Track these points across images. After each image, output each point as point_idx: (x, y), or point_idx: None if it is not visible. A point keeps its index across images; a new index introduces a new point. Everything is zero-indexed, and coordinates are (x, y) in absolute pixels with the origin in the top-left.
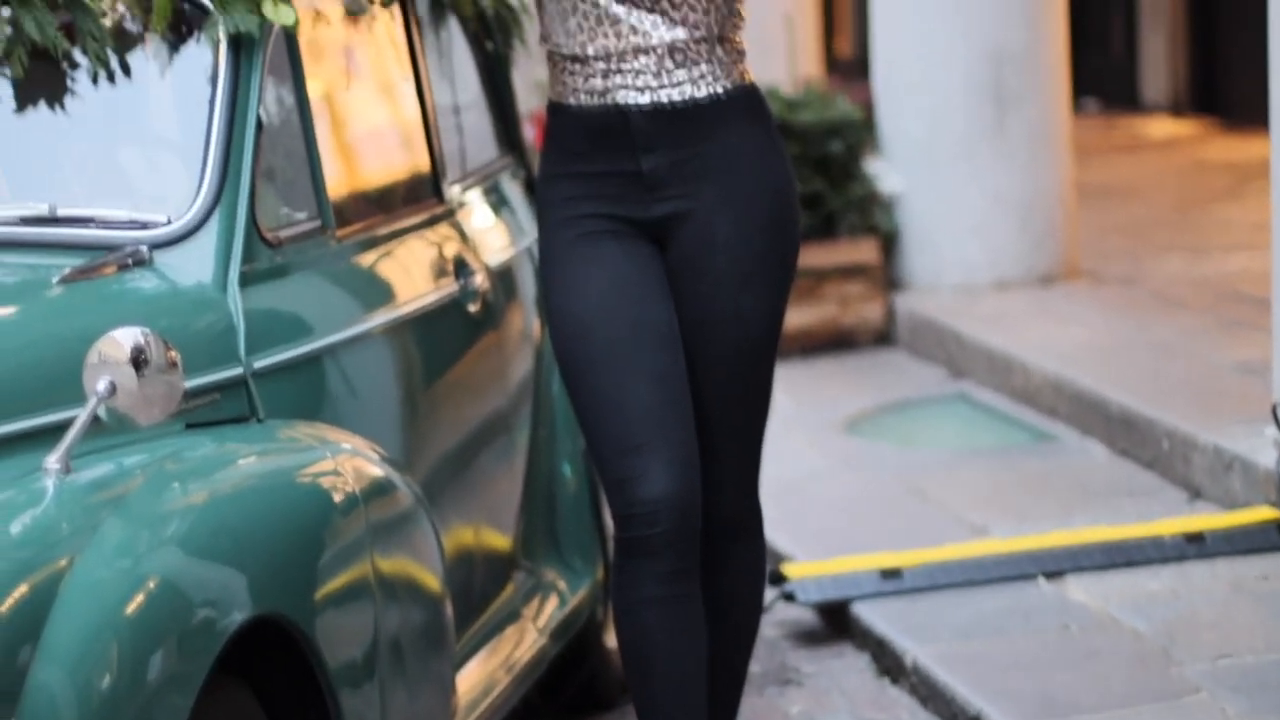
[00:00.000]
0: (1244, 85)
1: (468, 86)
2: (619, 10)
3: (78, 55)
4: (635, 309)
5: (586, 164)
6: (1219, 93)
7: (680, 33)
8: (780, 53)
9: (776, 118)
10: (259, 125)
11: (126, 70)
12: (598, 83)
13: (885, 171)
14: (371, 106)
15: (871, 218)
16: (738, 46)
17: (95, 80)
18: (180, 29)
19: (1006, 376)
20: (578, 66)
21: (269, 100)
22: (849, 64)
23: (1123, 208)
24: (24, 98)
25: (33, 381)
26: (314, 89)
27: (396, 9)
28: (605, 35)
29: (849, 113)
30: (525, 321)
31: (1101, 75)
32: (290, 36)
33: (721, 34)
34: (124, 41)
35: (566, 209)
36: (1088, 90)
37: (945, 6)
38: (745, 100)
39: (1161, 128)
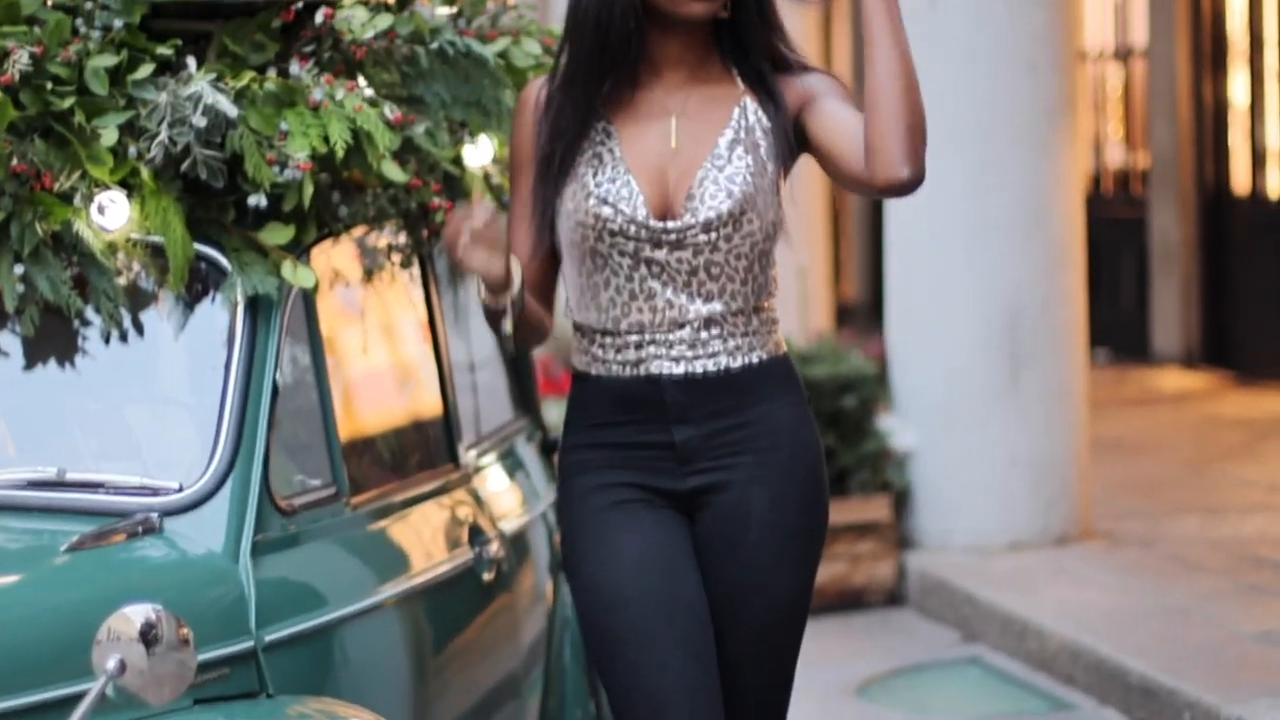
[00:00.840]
0: (1258, 339)
1: (483, 344)
2: (654, 285)
3: (90, 313)
4: (669, 582)
5: (616, 434)
6: (1232, 346)
7: (717, 305)
8: (792, 303)
9: None
10: (275, 389)
11: (140, 330)
12: (630, 354)
13: (898, 428)
14: (388, 368)
15: (883, 474)
16: (772, 315)
17: (107, 339)
18: (196, 288)
19: (1021, 641)
20: (609, 339)
21: (285, 362)
22: (855, 308)
23: (1136, 464)
24: (34, 355)
25: (39, 654)
26: (330, 350)
27: (415, 267)
28: (640, 310)
29: (862, 367)
30: (538, 587)
31: (1112, 326)
32: (308, 297)
33: (756, 304)
34: (138, 300)
35: (594, 477)
36: (1098, 341)
37: (960, 260)
38: (779, 370)
39: (1173, 381)
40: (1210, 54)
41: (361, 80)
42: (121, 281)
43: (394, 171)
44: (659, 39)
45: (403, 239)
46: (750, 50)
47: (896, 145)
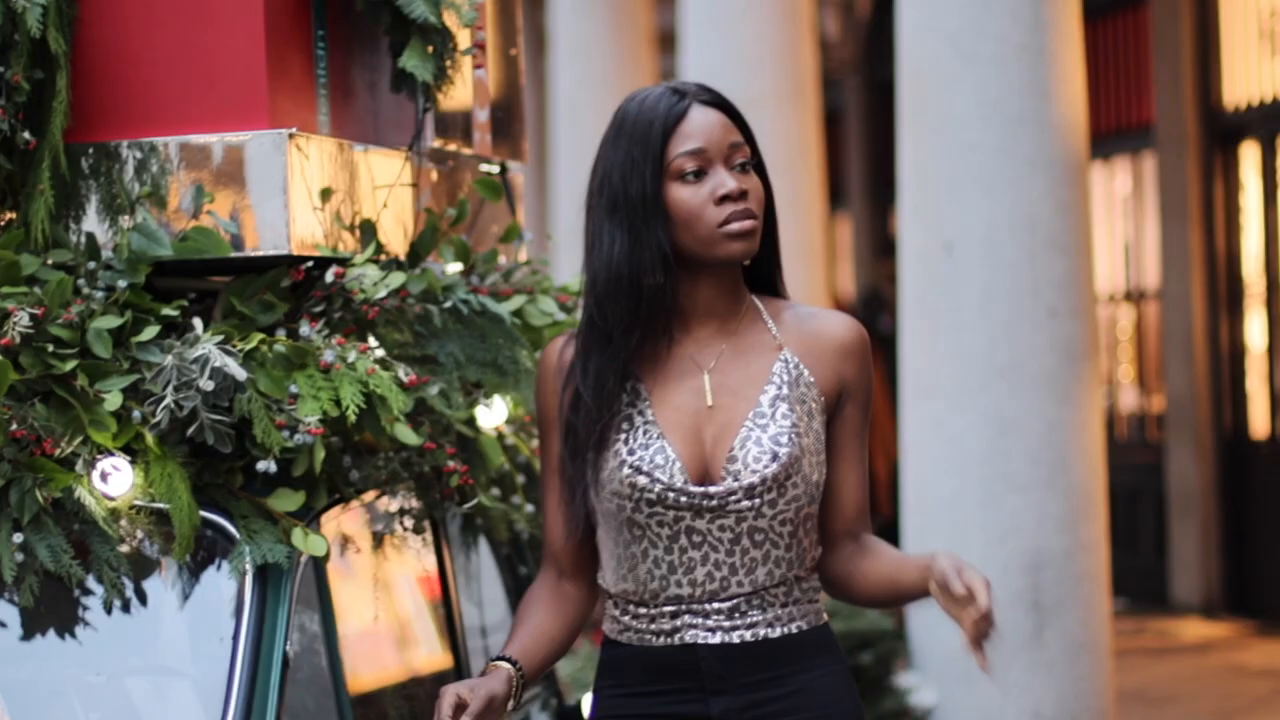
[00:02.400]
0: None
1: (495, 608)
2: (694, 556)
3: (92, 582)
4: None
5: (649, 705)
6: (1254, 594)
7: (760, 576)
8: None
9: None
10: (285, 660)
11: (144, 598)
12: (666, 624)
13: (918, 684)
14: (400, 634)
15: None
16: (814, 583)
17: (109, 609)
18: (203, 555)
19: None
20: (644, 609)
21: (294, 631)
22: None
23: (1161, 716)
24: (33, 624)
25: None
26: (342, 617)
27: (428, 531)
28: (679, 584)
29: (879, 623)
30: None
31: (1130, 574)
32: (318, 563)
33: (799, 572)
34: (142, 568)
35: None
36: (1116, 590)
37: (977, 515)
38: (820, 639)
39: (1194, 630)
40: (1226, 297)
41: (373, 340)
42: (126, 549)
43: (407, 435)
44: (689, 289)
45: (415, 502)
46: (776, 294)
47: (845, 590)
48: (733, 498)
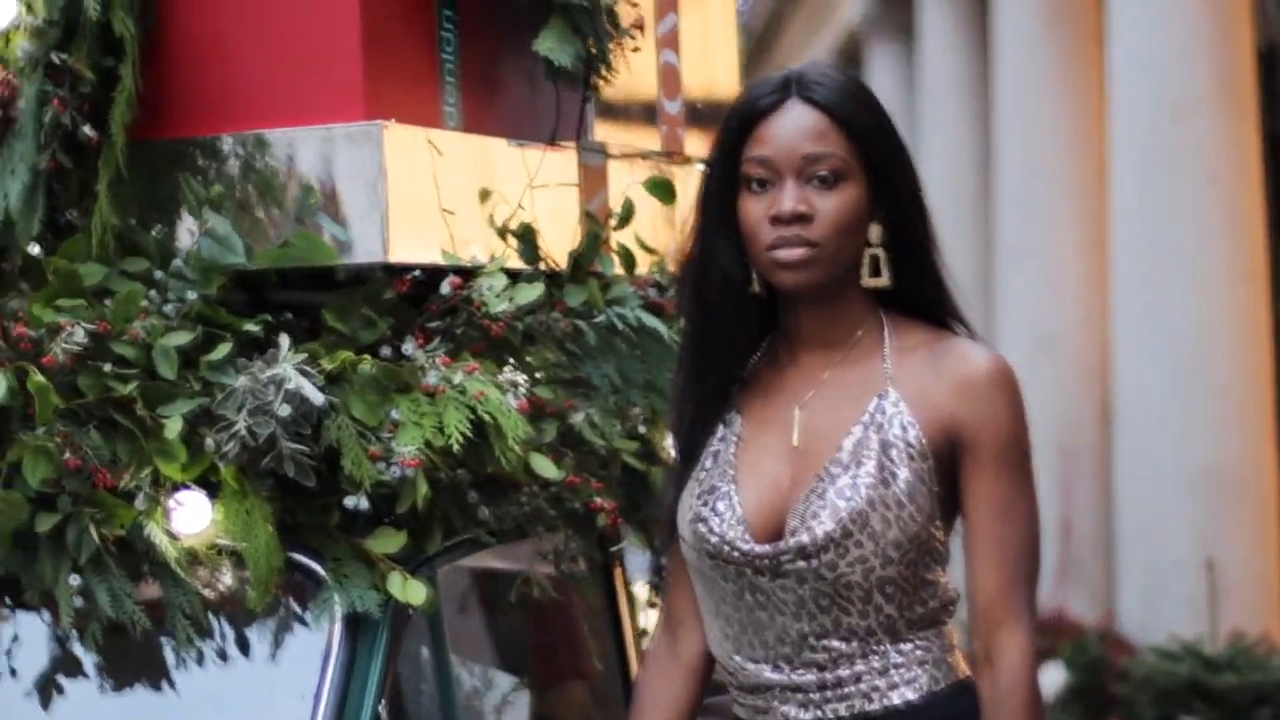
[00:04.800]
0: None
1: None
2: (762, 617)
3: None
4: None
5: None
6: None
7: (834, 641)
8: (1200, 600)
9: (1187, 676)
10: None
11: (219, 650)
12: (759, 700)
13: None
14: (541, 698)
15: None
16: (927, 643)
17: (181, 661)
18: (288, 603)
19: None
20: (732, 678)
21: (398, 694)
22: None
23: None
24: (94, 676)
25: None
26: (469, 679)
27: (591, 578)
28: (753, 646)
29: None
30: None
31: None
32: (436, 616)
33: (892, 634)
34: (220, 616)
35: None
36: None
37: None
38: (940, 711)
39: None
40: None
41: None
42: (209, 594)
43: (546, 467)
44: (789, 310)
45: (573, 544)
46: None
47: None
48: (784, 557)
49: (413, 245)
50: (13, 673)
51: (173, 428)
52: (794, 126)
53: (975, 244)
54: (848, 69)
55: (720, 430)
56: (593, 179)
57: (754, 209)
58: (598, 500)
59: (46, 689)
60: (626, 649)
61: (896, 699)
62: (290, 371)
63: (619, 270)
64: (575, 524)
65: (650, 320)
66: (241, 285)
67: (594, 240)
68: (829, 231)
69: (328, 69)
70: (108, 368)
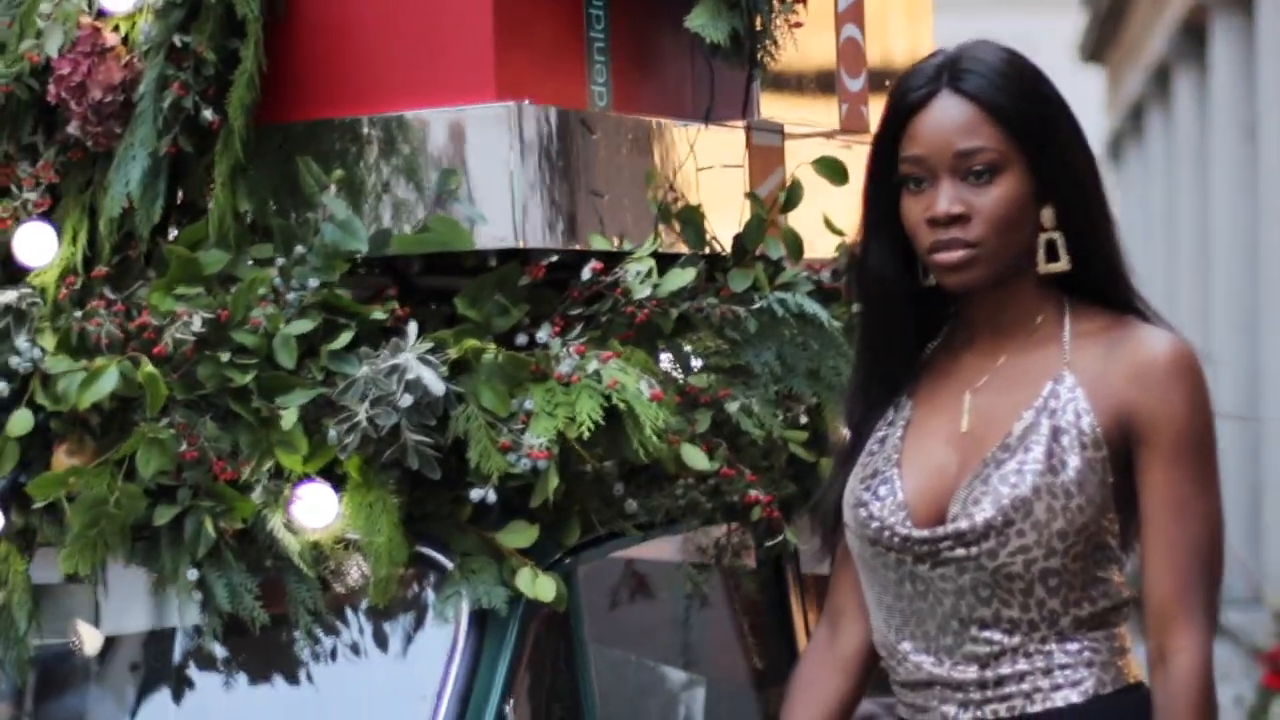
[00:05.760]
0: None
1: None
2: (922, 606)
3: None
4: None
5: None
6: None
7: (996, 634)
8: None
9: None
10: None
11: (342, 647)
12: (919, 697)
13: None
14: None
15: None
16: (1097, 644)
17: (303, 658)
18: (417, 597)
19: None
20: (895, 676)
21: (531, 696)
22: None
23: None
24: (213, 673)
25: None
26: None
27: (759, 575)
28: (914, 637)
29: None
30: None
31: None
32: (574, 613)
33: (1058, 630)
34: (346, 610)
35: None
36: None
37: None
38: (1108, 715)
39: None
40: None
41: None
42: (334, 588)
43: (696, 457)
44: (965, 300)
45: (736, 538)
46: (1097, 311)
47: None
48: (944, 544)
49: (550, 229)
50: (133, 666)
51: (289, 418)
52: (945, 121)
53: None
54: (1189, 44)
55: (890, 415)
56: (765, 159)
57: (913, 209)
58: (754, 493)
59: (167, 683)
60: (797, 648)
61: (1059, 700)
62: (411, 360)
63: (785, 254)
64: (734, 517)
65: (812, 306)
66: (387, 271)
67: (758, 223)
68: (988, 230)
69: (459, 48)
70: (226, 357)
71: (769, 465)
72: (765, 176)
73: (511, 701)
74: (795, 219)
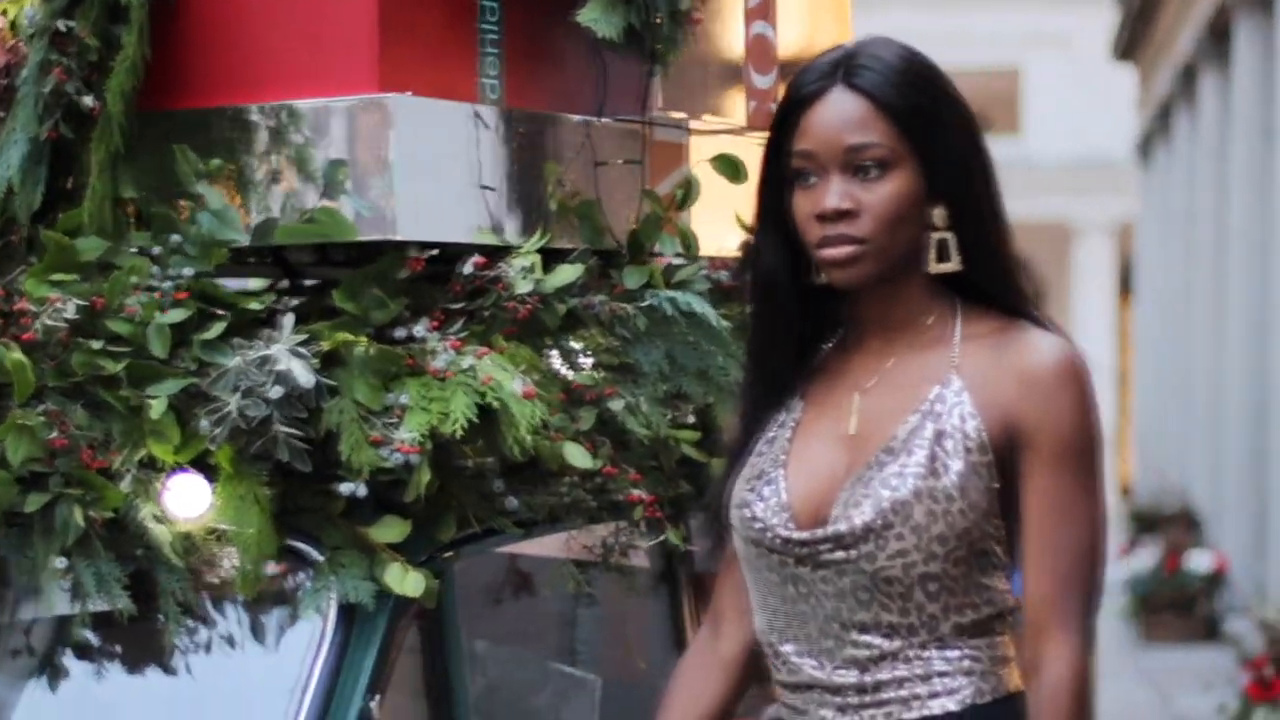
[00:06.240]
0: None
1: None
2: (805, 609)
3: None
4: None
5: None
6: None
7: (874, 639)
8: None
9: None
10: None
11: (210, 640)
12: (798, 698)
13: None
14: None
15: None
16: (977, 652)
17: (171, 650)
18: (286, 592)
19: None
20: (778, 678)
21: (399, 693)
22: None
23: None
24: (84, 664)
25: None
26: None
27: (645, 575)
28: (796, 640)
29: None
30: None
31: None
32: (444, 610)
33: (937, 637)
34: (216, 602)
35: None
36: None
37: None
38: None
39: None
40: None
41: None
42: (204, 580)
43: (578, 456)
44: (855, 300)
45: (623, 537)
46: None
47: None
48: (823, 547)
49: (431, 223)
50: None
51: (158, 408)
52: (836, 116)
53: None
54: (1214, 45)
55: (781, 416)
56: (667, 156)
57: (802, 205)
58: (636, 492)
59: (33, 672)
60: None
61: (936, 709)
62: (282, 352)
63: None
64: (620, 516)
65: (700, 305)
66: (279, 263)
67: (654, 220)
68: (876, 226)
69: (343, 39)
70: (98, 345)
71: (657, 465)
72: (667, 173)
73: (377, 697)
74: (708, 218)
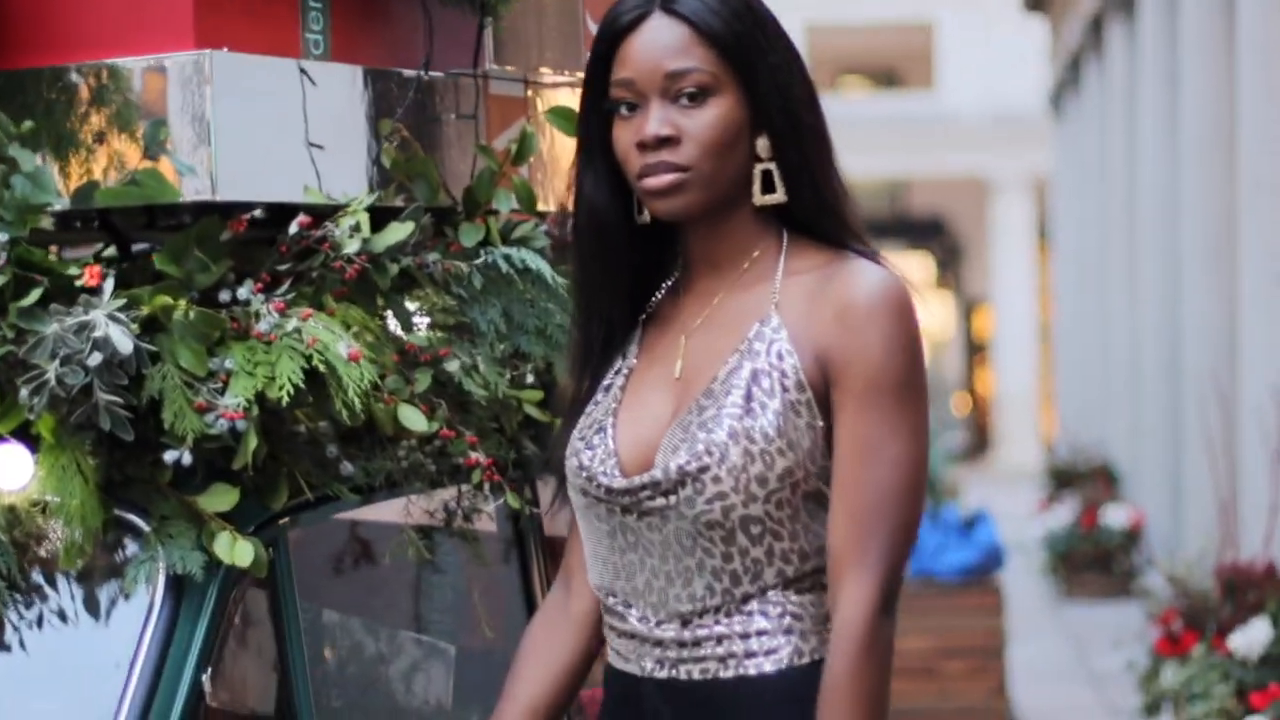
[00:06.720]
0: None
1: None
2: (633, 559)
3: None
4: None
5: None
6: None
7: (697, 589)
8: None
9: None
10: (198, 694)
11: (35, 616)
12: (626, 644)
13: None
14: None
15: None
16: (795, 609)
17: None
18: (115, 564)
19: None
20: (610, 624)
21: (233, 665)
22: None
23: None
24: None
25: None
26: (324, 646)
27: (490, 540)
28: (624, 591)
29: None
30: None
31: None
32: (279, 578)
33: (761, 589)
34: (41, 576)
35: None
36: None
37: None
38: (785, 691)
39: None
40: None
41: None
42: (38, 553)
43: (413, 419)
44: (683, 237)
45: (466, 501)
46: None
47: None
48: (644, 493)
49: (251, 182)
50: None
51: None
52: (655, 43)
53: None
54: None
55: (618, 364)
56: (505, 110)
57: (623, 135)
58: (474, 455)
59: None
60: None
61: (751, 669)
62: (100, 318)
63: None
64: (461, 480)
65: (535, 262)
66: (104, 226)
67: (488, 176)
68: (699, 153)
69: None
70: None
71: (499, 427)
72: (505, 128)
73: (209, 670)
74: (547, 173)
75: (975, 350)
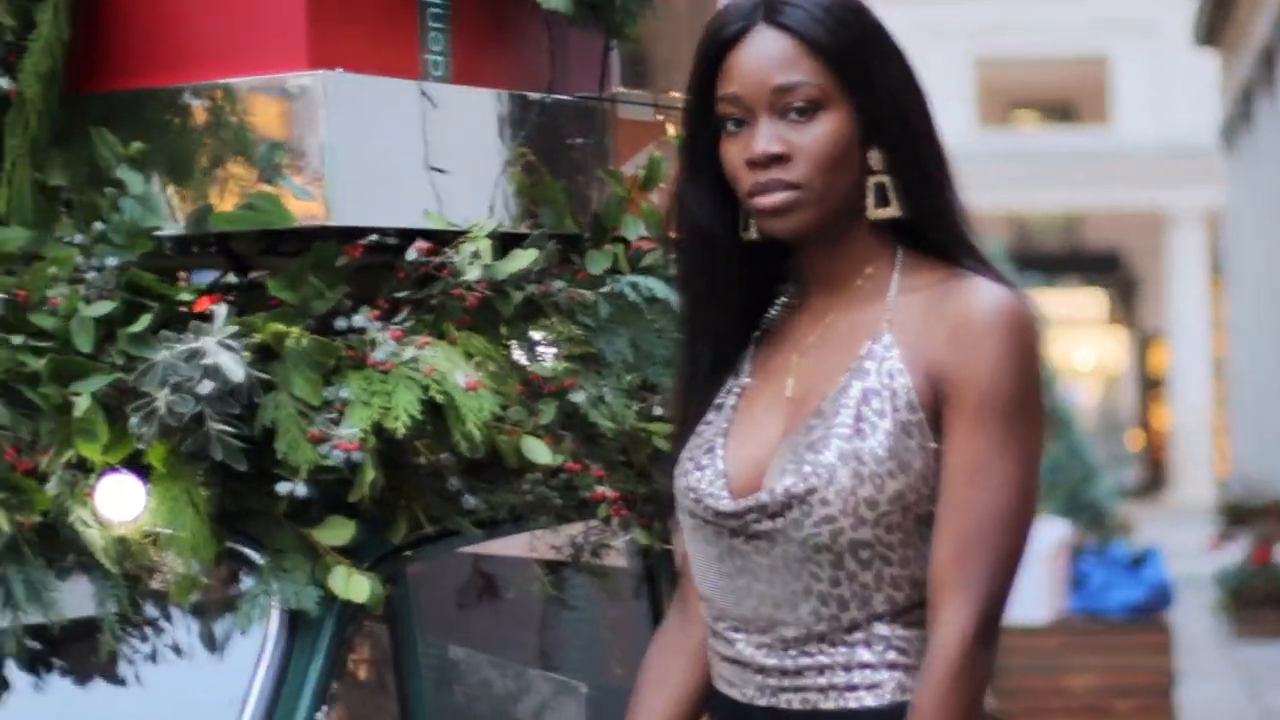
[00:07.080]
0: None
1: None
2: (741, 584)
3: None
4: None
5: None
6: None
7: (804, 614)
8: None
9: None
10: None
11: (151, 649)
12: (731, 670)
13: None
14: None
15: None
16: (900, 643)
17: (106, 659)
18: (230, 598)
19: None
20: (715, 649)
21: (351, 703)
22: None
23: None
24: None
25: None
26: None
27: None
28: (733, 617)
29: None
30: None
31: None
32: (398, 615)
33: (867, 618)
34: (156, 610)
35: None
36: None
37: None
38: None
39: None
40: None
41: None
42: (157, 586)
43: (538, 451)
44: (797, 253)
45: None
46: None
47: None
48: (751, 516)
49: (371, 207)
50: None
51: (83, 405)
52: (761, 56)
53: None
54: None
55: (730, 383)
56: (635, 134)
57: (731, 152)
58: (600, 489)
59: None
60: None
61: (853, 701)
62: (211, 345)
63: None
64: (589, 514)
65: (663, 290)
66: (223, 252)
67: (616, 202)
68: (811, 169)
69: (273, 14)
70: (19, 340)
71: (626, 460)
72: (634, 152)
73: (325, 709)
74: None
75: (1150, 385)
